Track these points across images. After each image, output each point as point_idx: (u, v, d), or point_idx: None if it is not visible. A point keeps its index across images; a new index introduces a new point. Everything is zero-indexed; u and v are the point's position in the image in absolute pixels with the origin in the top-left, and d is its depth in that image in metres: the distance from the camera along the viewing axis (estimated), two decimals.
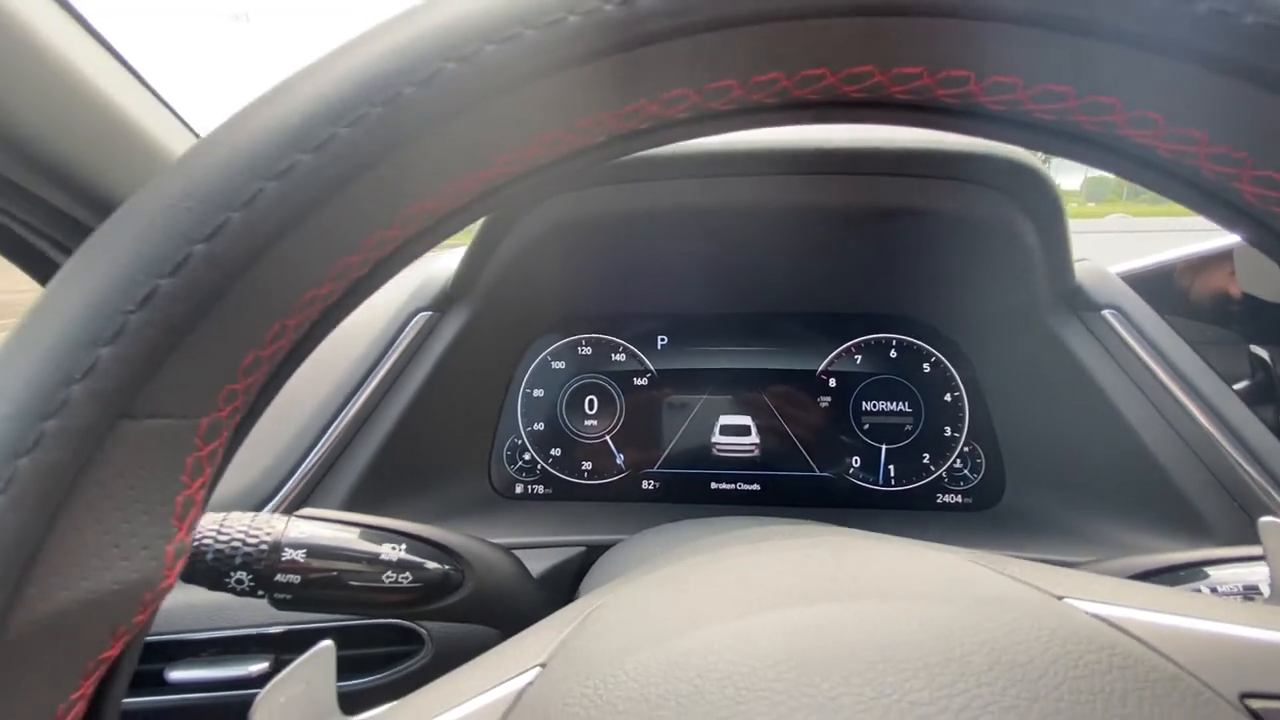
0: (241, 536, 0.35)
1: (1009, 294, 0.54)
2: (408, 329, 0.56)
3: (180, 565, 0.20)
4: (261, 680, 0.48)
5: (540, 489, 0.67)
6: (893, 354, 0.64)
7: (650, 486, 0.66)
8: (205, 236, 0.17)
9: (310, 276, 0.19)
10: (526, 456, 0.67)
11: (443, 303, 0.58)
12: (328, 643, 0.27)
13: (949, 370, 0.63)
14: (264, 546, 0.35)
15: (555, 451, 0.67)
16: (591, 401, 0.67)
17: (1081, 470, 0.55)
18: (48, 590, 0.17)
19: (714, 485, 0.66)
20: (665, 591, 0.23)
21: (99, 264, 0.17)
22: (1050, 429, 0.57)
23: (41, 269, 0.66)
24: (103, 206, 0.56)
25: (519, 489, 0.67)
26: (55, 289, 0.17)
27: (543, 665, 0.21)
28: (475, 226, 0.57)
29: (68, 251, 0.62)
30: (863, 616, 0.19)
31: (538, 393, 0.68)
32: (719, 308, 0.67)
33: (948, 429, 0.63)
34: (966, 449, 0.63)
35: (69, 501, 0.17)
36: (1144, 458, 0.50)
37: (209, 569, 0.34)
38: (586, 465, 0.67)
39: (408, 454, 0.57)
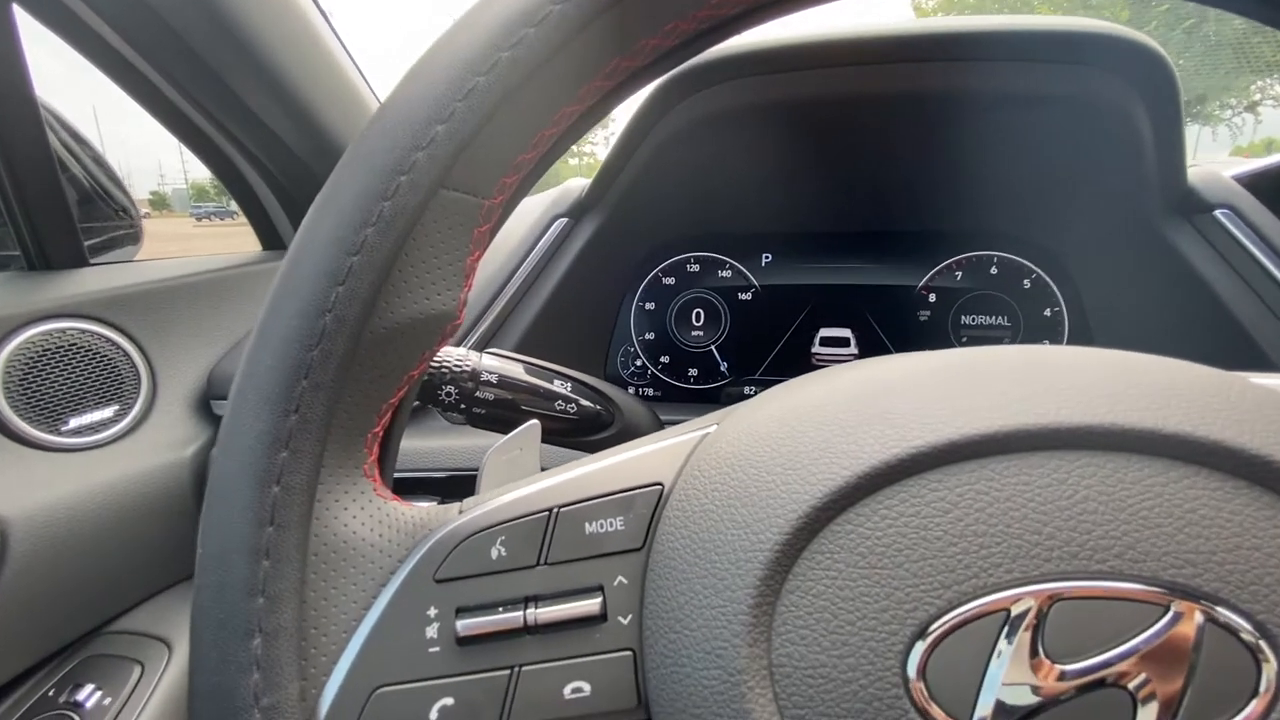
0: (451, 361, 0.43)
1: (1119, 199, 0.56)
2: (549, 232, 0.64)
3: (464, 313, 0.28)
4: None
5: (650, 391, 0.74)
6: (993, 270, 0.67)
7: (751, 392, 0.72)
8: (510, 45, 0.24)
9: (562, 96, 0.26)
10: (638, 362, 0.74)
11: (577, 211, 0.65)
12: (534, 422, 0.34)
13: (1049, 285, 0.65)
14: (467, 370, 0.43)
15: (664, 359, 0.74)
16: (699, 314, 0.73)
17: None
18: (390, 307, 0.24)
19: None
20: (801, 383, 0.28)
21: (436, 67, 0.24)
22: (1156, 337, 0.59)
23: (266, 228, 0.79)
24: (322, 143, 0.68)
25: (631, 390, 0.74)
26: (403, 86, 0.24)
27: (717, 424, 0.27)
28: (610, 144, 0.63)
29: (293, 205, 0.75)
30: (1007, 352, 0.24)
31: (649, 305, 0.74)
32: (822, 226, 0.71)
33: (1047, 342, 0.65)
34: None
35: (405, 243, 0.24)
36: (1260, 364, 0.51)
37: (427, 381, 0.42)
38: (693, 371, 0.73)
39: (543, 344, 0.64)
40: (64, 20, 0.55)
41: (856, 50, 0.51)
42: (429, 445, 0.56)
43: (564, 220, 0.65)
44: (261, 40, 0.59)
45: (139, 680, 0.51)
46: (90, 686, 0.49)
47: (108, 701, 0.49)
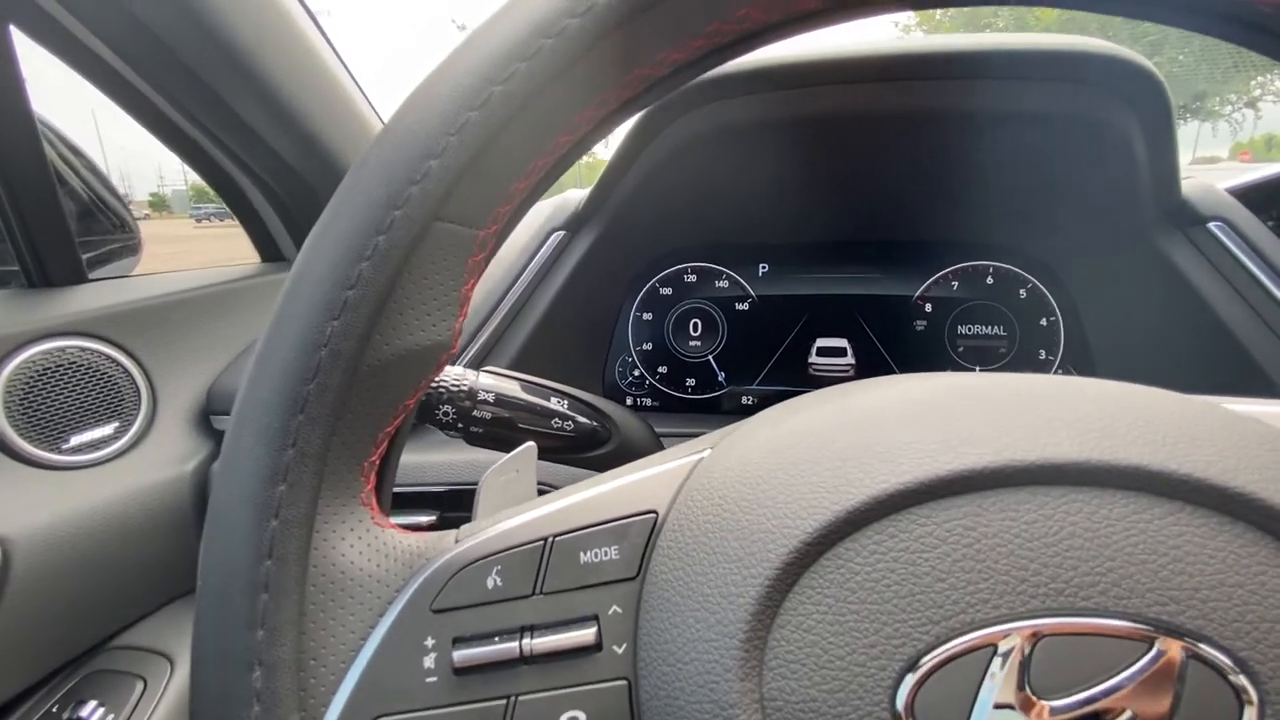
0: (448, 381, 0.43)
1: (1113, 211, 0.56)
2: (545, 245, 0.64)
3: (459, 341, 0.28)
4: (430, 528, 0.57)
5: (648, 401, 0.74)
6: (989, 280, 0.67)
7: (749, 402, 0.72)
8: (503, 79, 0.24)
9: (554, 127, 0.26)
10: (636, 373, 0.74)
11: (574, 224, 0.65)
12: (530, 444, 0.35)
13: (1045, 295, 0.66)
14: (464, 389, 0.43)
15: (662, 369, 0.74)
16: (696, 324, 0.74)
17: (1184, 388, 0.57)
18: (386, 339, 0.25)
19: None
20: (793, 409, 0.29)
21: (427, 105, 0.24)
22: (1151, 346, 0.59)
23: (265, 240, 0.79)
24: (317, 154, 0.68)
25: (629, 401, 0.74)
26: (398, 118, 0.25)
27: (712, 448, 0.27)
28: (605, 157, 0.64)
29: (291, 219, 0.74)
30: (994, 380, 0.24)
31: (647, 316, 0.75)
32: (819, 237, 0.71)
33: (1043, 352, 0.66)
34: (1061, 371, 0.65)
35: (400, 276, 0.24)
36: (1253, 375, 0.52)
37: (424, 401, 0.42)
38: (690, 381, 0.73)
39: (541, 356, 0.64)
40: (62, 41, 0.55)
41: (853, 69, 0.51)
42: (427, 460, 0.57)
43: (561, 233, 0.65)
44: (257, 57, 0.59)
45: (142, 695, 0.51)
46: (93, 703, 0.50)
47: (111, 717, 0.49)
